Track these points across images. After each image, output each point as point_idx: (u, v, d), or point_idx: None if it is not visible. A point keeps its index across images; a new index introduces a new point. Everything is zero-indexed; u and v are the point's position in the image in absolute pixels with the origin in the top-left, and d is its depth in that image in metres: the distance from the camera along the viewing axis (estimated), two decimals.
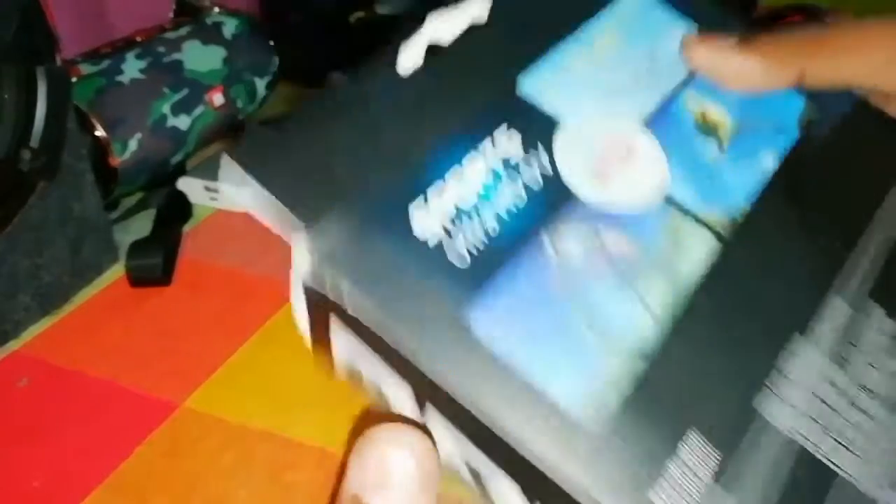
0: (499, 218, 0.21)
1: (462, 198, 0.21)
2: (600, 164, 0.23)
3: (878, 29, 0.25)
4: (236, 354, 0.40)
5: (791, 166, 0.25)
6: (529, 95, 0.24)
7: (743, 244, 0.23)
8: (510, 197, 0.22)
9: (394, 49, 0.23)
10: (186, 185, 0.55)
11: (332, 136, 0.21)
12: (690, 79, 0.26)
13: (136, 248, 0.46)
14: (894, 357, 0.23)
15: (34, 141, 0.40)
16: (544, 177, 0.22)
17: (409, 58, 0.23)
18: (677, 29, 0.27)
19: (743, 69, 0.25)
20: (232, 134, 0.63)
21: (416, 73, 0.23)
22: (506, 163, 0.22)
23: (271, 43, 0.66)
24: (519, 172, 0.22)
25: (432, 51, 0.24)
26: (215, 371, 0.39)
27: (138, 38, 0.56)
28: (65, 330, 0.43)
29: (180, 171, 0.56)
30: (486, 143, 0.22)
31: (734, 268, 0.23)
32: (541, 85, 0.24)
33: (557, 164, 0.23)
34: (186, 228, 0.52)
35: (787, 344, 0.22)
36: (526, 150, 0.23)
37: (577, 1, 0.27)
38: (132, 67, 0.52)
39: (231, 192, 0.20)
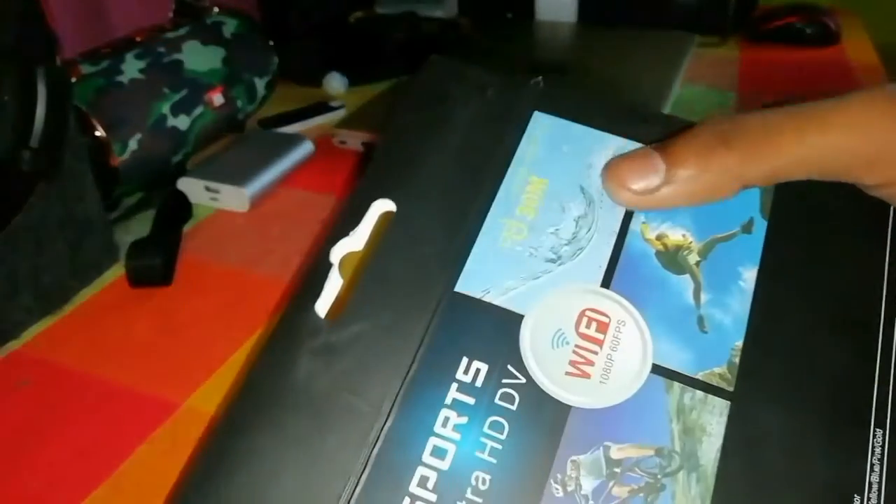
0: (488, 465, 0.19)
1: (441, 467, 0.19)
2: (575, 361, 0.20)
3: (818, 120, 0.21)
4: (236, 354, 0.40)
5: (772, 270, 0.22)
6: (472, 303, 0.21)
7: (752, 393, 0.20)
8: (492, 435, 0.19)
9: (309, 295, 0.21)
10: (186, 184, 0.55)
11: (270, 465, 0.19)
12: None
13: (137, 248, 0.46)
14: None
15: (34, 141, 0.40)
16: (520, 393, 0.20)
17: (327, 301, 0.21)
18: (602, 148, 0.24)
19: (678, 194, 0.22)
20: (231, 133, 0.63)
21: (337, 343, 0.20)
22: (477, 400, 0.20)
23: (271, 43, 0.66)
24: (493, 400, 0.20)
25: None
26: (216, 371, 0.39)
27: (138, 38, 0.56)
28: (65, 330, 0.43)
29: (180, 170, 0.57)
30: (451, 390, 0.20)
31: (753, 428, 0.20)
32: (480, 283, 0.21)
33: (531, 373, 0.20)
34: (186, 228, 0.52)
35: None
36: (492, 373, 0.20)
37: (485, 160, 0.23)
38: (132, 67, 0.52)
39: None
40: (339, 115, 0.70)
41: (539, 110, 0.24)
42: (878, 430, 0.20)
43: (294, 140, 0.61)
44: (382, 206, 0.23)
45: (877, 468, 0.19)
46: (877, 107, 0.21)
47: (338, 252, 0.22)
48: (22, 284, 0.41)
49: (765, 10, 0.87)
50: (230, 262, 0.48)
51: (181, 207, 0.53)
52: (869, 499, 0.19)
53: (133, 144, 0.51)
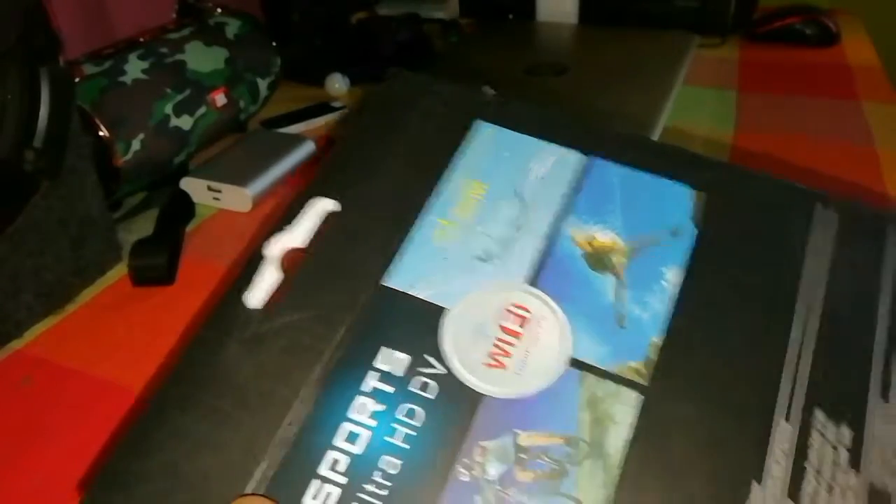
0: (399, 450, 0.19)
1: (353, 451, 0.19)
2: (494, 353, 0.21)
3: None
4: None
5: (697, 273, 0.23)
6: (398, 297, 0.22)
7: (665, 388, 0.21)
8: (406, 422, 0.20)
9: (241, 285, 0.22)
10: (189, 184, 0.55)
11: (190, 444, 0.19)
12: (569, 204, 0.24)
13: (140, 247, 0.46)
14: (847, 470, 0.20)
15: (38, 141, 0.40)
16: (437, 382, 0.20)
17: (260, 294, 0.22)
18: (540, 155, 0.25)
19: None
20: (234, 133, 0.64)
21: (274, 321, 0.21)
22: (396, 389, 0.20)
23: (273, 43, 0.66)
24: (410, 389, 0.20)
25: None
26: None
27: (141, 39, 0.56)
28: (67, 329, 0.43)
29: (183, 170, 0.57)
30: (367, 378, 0.20)
31: (663, 421, 0.20)
32: (409, 278, 0.22)
33: (448, 364, 0.21)
34: (189, 228, 0.52)
35: (745, 501, 0.19)
36: (412, 363, 0.21)
37: (428, 164, 0.25)
38: (135, 68, 0.53)
39: None
40: (340, 115, 0.70)
41: (483, 119, 0.26)
42: (784, 422, 0.20)
43: (296, 140, 0.61)
44: (324, 205, 0.24)
45: (782, 461, 0.20)
46: None
47: (271, 246, 0.23)
48: (24, 283, 0.42)
49: (765, 10, 0.87)
50: (232, 262, 0.48)
51: (184, 207, 0.53)
52: (767, 486, 0.19)
53: (136, 144, 0.51)
